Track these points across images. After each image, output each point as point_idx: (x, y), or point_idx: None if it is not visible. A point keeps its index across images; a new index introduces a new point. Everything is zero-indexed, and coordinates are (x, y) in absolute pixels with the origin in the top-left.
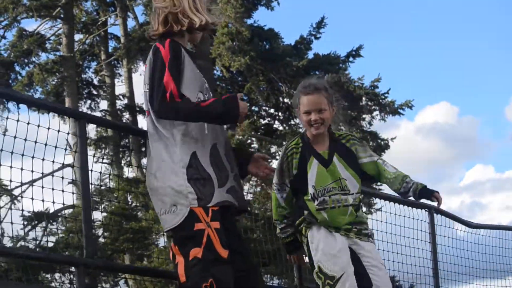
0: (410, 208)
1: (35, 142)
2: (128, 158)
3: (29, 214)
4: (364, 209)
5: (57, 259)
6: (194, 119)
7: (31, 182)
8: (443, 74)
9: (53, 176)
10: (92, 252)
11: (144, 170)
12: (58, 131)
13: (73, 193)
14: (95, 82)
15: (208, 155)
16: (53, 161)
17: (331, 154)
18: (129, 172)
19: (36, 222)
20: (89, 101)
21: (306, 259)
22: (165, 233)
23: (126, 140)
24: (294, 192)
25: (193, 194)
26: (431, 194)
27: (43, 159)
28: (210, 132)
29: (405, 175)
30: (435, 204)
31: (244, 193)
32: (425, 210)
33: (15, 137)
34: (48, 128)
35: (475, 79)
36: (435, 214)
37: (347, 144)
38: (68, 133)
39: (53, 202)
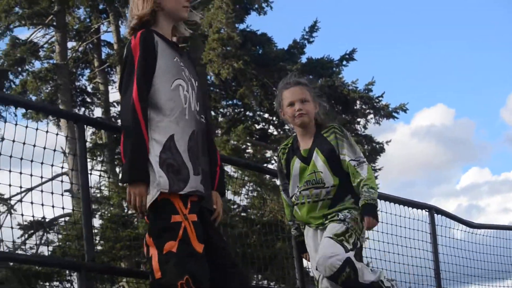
0: (410, 208)
1: (34, 145)
2: None
3: (26, 223)
4: None
5: (59, 263)
6: (124, 131)
7: (27, 191)
8: (439, 77)
9: (52, 184)
10: (93, 256)
11: None
12: (45, 133)
13: (58, 203)
14: (89, 89)
15: (186, 141)
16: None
17: (311, 150)
18: None
19: (32, 231)
20: (83, 109)
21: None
22: None
23: None
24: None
25: (165, 179)
26: (363, 216)
27: (42, 172)
28: (190, 118)
29: (361, 185)
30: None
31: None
32: (425, 211)
33: (13, 140)
34: (37, 129)
35: (471, 81)
36: (435, 214)
37: (329, 138)
38: (67, 137)
39: (44, 212)
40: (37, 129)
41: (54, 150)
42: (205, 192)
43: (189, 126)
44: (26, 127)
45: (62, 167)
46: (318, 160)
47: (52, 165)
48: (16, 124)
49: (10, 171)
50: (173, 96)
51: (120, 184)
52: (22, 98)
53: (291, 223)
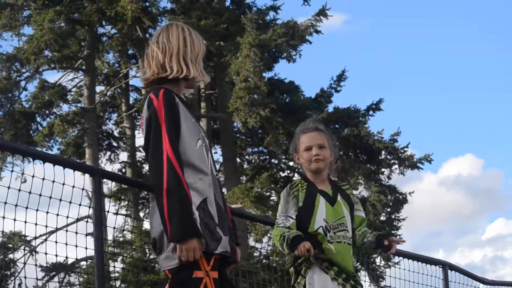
0: (424, 264)
1: (60, 199)
2: (147, 210)
3: (48, 265)
4: (382, 262)
5: None
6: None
7: (50, 234)
8: (469, 127)
9: (76, 230)
10: None
11: None
12: (73, 186)
13: (85, 248)
14: (116, 133)
15: (215, 201)
16: (67, 216)
17: (335, 192)
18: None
19: (54, 273)
20: (109, 153)
21: None
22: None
23: (145, 193)
24: (298, 227)
25: (203, 238)
26: (385, 240)
27: (67, 216)
28: (213, 178)
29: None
30: (392, 250)
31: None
32: (439, 267)
33: (40, 194)
34: (64, 184)
35: (501, 131)
36: (449, 271)
37: (348, 192)
38: (82, 188)
39: (66, 257)
40: (53, 181)
41: (70, 202)
42: (232, 245)
43: (214, 187)
44: (53, 181)
45: (88, 213)
46: (343, 205)
47: (66, 216)
48: (43, 179)
49: (37, 209)
50: (199, 156)
51: (142, 229)
52: (40, 151)
53: (283, 237)
